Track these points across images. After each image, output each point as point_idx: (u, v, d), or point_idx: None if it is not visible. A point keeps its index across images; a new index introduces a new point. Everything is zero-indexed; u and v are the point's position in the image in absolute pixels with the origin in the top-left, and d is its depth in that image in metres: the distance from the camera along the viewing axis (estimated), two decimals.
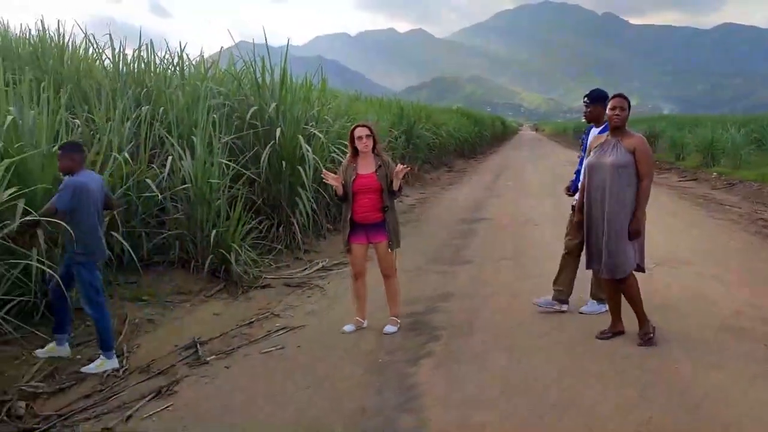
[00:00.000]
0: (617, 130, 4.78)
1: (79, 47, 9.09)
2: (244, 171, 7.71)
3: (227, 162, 7.43)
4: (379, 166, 5.13)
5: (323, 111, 9.75)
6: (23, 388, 4.18)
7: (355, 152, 5.19)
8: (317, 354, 4.79)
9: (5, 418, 3.83)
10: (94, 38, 9.15)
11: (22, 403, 3.99)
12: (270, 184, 8.37)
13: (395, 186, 5.08)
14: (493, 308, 5.84)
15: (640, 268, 4.86)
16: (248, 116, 8.28)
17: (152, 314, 5.85)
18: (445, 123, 23.20)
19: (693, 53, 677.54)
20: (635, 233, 4.70)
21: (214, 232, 6.75)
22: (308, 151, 8.18)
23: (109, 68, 8.67)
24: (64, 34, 9.14)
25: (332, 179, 5.16)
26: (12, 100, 5.37)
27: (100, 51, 9.09)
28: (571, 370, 4.35)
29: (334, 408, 3.86)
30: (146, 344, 5.15)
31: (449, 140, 23.85)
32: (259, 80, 8.85)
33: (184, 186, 6.87)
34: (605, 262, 4.74)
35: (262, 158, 8.00)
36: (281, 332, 5.26)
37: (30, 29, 9.60)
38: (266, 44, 9.37)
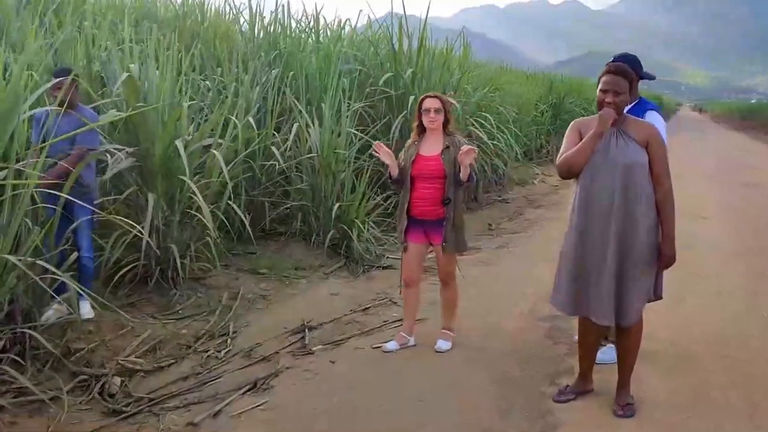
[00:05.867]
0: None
1: (220, 10, 9.00)
2: (372, 142, 7.19)
3: (356, 131, 6.95)
4: (447, 147, 4.09)
5: (464, 79, 9.00)
6: (121, 362, 3.94)
7: (423, 128, 4.21)
8: (434, 356, 4.16)
9: (97, 395, 3.59)
10: (233, 1, 9.02)
11: (118, 380, 3.74)
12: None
13: (463, 174, 3.99)
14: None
15: (657, 296, 3.34)
16: (381, 82, 7.72)
17: (267, 290, 5.53)
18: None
19: None
20: (671, 260, 3.21)
21: (336, 205, 6.31)
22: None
23: (245, 31, 8.47)
24: None
25: (385, 154, 4.15)
26: (135, 58, 5.15)
27: (238, 13, 8.93)
28: None
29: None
30: (255, 323, 4.79)
31: None
32: (396, 45, 8.25)
33: (309, 155, 6.48)
34: (615, 307, 3.19)
35: (393, 128, 7.44)
36: (398, 323, 4.68)
37: None
38: (403, 10, 8.73)
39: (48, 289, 3.58)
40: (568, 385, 3.53)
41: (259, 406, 3.45)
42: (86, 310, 4.26)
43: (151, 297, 4.99)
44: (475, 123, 8.71)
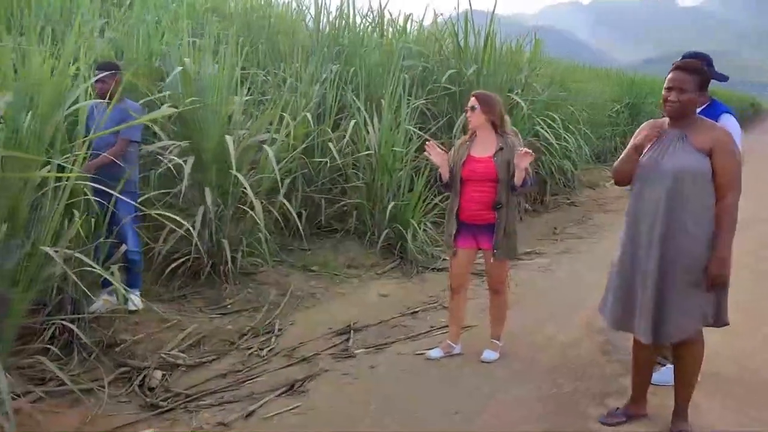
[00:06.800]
0: (678, 119, 2.98)
1: (286, 5, 9.04)
2: (432, 140, 7.04)
3: (415, 129, 6.81)
4: (500, 148, 3.87)
5: (532, 77, 8.69)
6: (164, 356, 3.96)
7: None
8: (479, 366, 3.98)
9: (137, 388, 3.61)
10: None
11: (159, 374, 3.76)
12: None
13: (517, 179, 3.77)
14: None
15: (720, 322, 2.99)
16: (444, 79, 7.54)
17: (317, 287, 5.48)
18: None
19: None
20: (717, 279, 2.85)
21: (391, 204, 6.20)
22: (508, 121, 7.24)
23: (310, 26, 8.46)
24: None
25: (436, 156, 3.97)
26: (194, 53, 5.18)
27: (305, 9, 8.94)
28: None
29: None
30: (301, 322, 4.74)
31: None
32: (461, 42, 8.05)
33: (367, 152, 6.39)
34: (653, 321, 2.93)
35: (456, 126, 7.25)
36: (446, 329, 4.52)
37: None
38: (469, 5, 8.50)
39: (78, 286, 3.61)
40: (618, 407, 3.28)
41: (292, 409, 3.38)
42: (134, 302, 4.31)
43: (202, 290, 5.02)
44: (542, 122, 8.39)
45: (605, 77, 15.79)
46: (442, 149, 4.06)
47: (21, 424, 3.06)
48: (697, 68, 3.00)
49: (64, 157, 3.23)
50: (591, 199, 10.56)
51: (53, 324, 3.70)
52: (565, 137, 9.22)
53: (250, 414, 3.32)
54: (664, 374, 3.45)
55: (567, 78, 11.04)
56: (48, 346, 3.55)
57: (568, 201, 10.07)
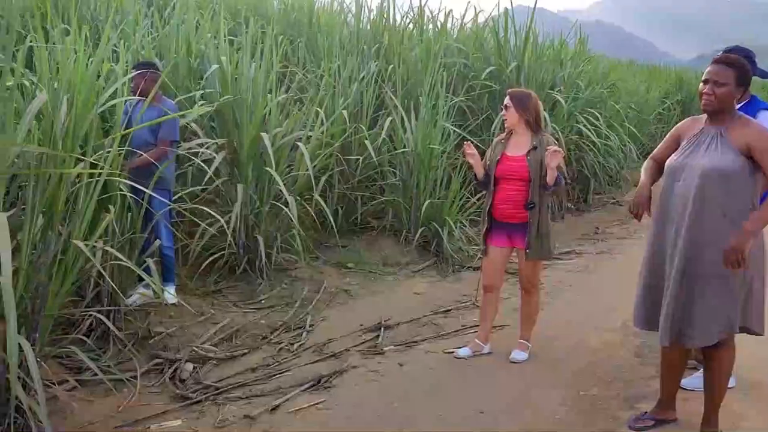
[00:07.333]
0: (715, 115, 2.86)
1: (327, 4, 9.10)
2: (469, 138, 6.98)
3: (453, 127, 6.76)
4: (534, 147, 3.82)
5: (575, 74, 8.53)
6: (195, 349, 4.04)
7: None
8: (507, 366, 3.94)
9: (168, 379, 3.70)
10: None
11: (190, 366, 3.84)
12: None
13: (549, 178, 3.72)
14: None
15: (750, 330, 2.87)
16: (483, 76, 7.47)
17: (351, 284, 5.51)
18: None
19: None
20: (731, 254, 2.68)
21: (427, 202, 6.18)
22: (546, 119, 7.13)
23: (351, 24, 8.50)
24: None
25: (470, 156, 3.92)
26: (231, 51, 5.27)
27: (346, 7, 8.98)
28: None
29: None
30: (333, 318, 4.77)
31: None
32: (501, 38, 7.95)
33: (403, 149, 6.38)
34: (677, 322, 2.84)
35: (494, 124, 7.18)
36: (476, 329, 4.47)
37: None
38: (510, 2, 8.39)
39: (114, 278, 3.71)
40: (646, 412, 3.19)
41: (316, 404, 3.40)
42: (170, 295, 4.41)
43: (237, 285, 5.11)
44: (584, 120, 8.22)
45: (654, 74, 15.39)
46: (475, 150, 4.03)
47: (57, 411, 3.17)
48: (736, 62, 2.89)
49: (97, 154, 3.31)
50: None
51: (90, 315, 3.82)
52: (608, 135, 9.01)
53: (275, 408, 3.35)
54: (697, 379, 3.34)
55: (612, 74, 10.79)
56: (83, 337, 3.65)
57: (613, 200, 9.85)
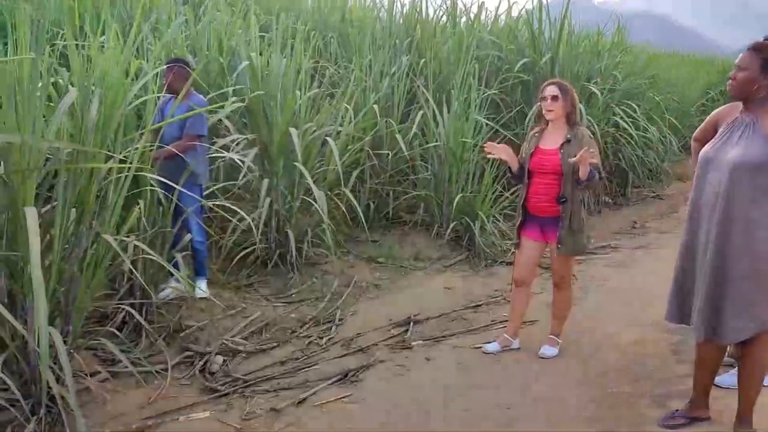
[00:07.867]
0: (747, 103, 2.79)
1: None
2: (502, 131, 6.90)
3: (485, 120, 6.69)
4: (567, 140, 3.73)
5: (612, 65, 8.35)
6: (226, 341, 4.09)
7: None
8: (536, 362, 3.88)
9: (198, 372, 3.75)
10: None
11: (220, 359, 3.89)
12: None
13: (581, 173, 3.61)
14: None
15: None
16: (516, 68, 7.37)
17: (381, 279, 5.50)
18: None
19: None
20: None
21: (459, 196, 6.13)
22: (581, 111, 6.99)
23: (383, 19, 8.47)
24: None
25: (498, 151, 3.85)
26: (262, 47, 5.30)
27: (378, 2, 8.96)
28: None
29: None
30: (363, 312, 4.77)
31: None
32: (536, 29, 7.83)
33: (435, 143, 6.34)
34: (708, 318, 2.77)
35: (528, 117, 7.07)
36: (506, 324, 4.42)
37: None
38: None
39: (146, 272, 3.76)
40: (678, 409, 3.10)
41: (342, 398, 3.40)
42: (200, 290, 4.47)
43: (269, 279, 5.15)
44: (621, 112, 8.04)
45: (698, 63, 14.95)
46: (501, 145, 3.95)
47: (89, 402, 3.25)
48: (763, 48, 2.79)
49: (127, 150, 3.37)
50: (679, 192, 10.03)
51: (123, 309, 3.90)
52: (647, 127, 8.79)
53: (301, 401, 3.37)
54: (731, 376, 3.23)
55: (652, 65, 10.52)
56: (115, 330, 3.72)
57: (653, 194, 9.63)
